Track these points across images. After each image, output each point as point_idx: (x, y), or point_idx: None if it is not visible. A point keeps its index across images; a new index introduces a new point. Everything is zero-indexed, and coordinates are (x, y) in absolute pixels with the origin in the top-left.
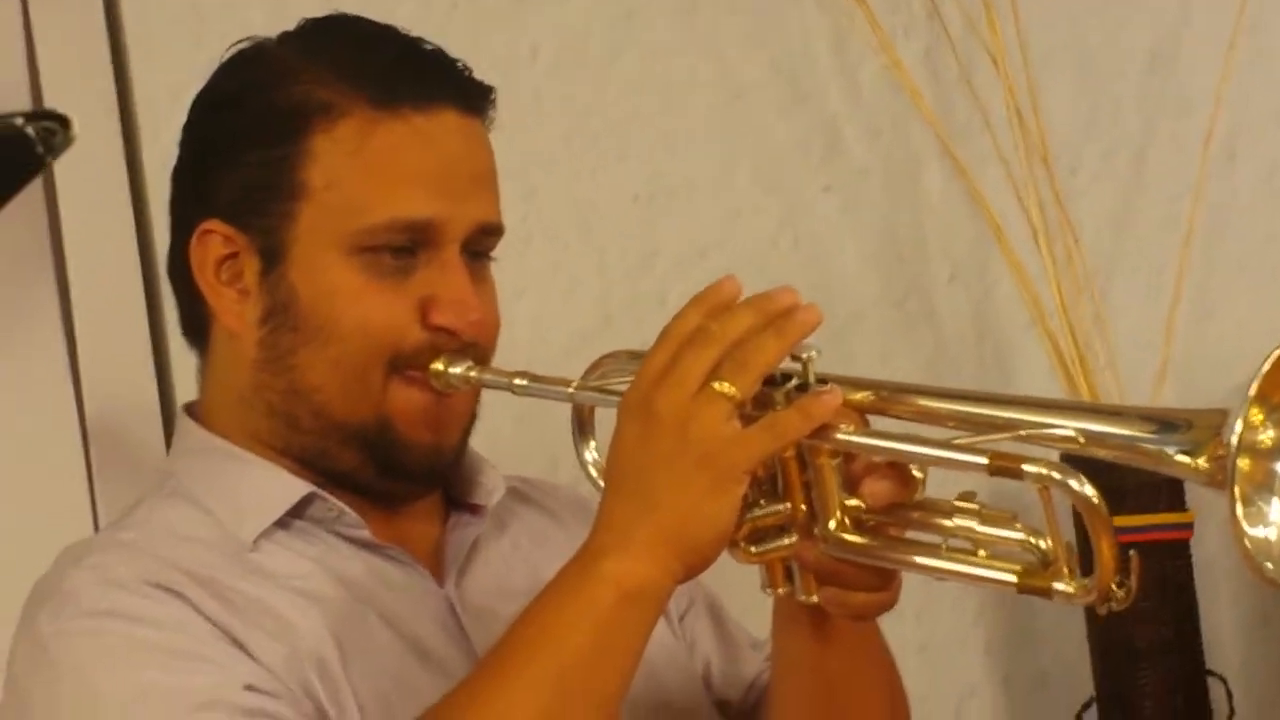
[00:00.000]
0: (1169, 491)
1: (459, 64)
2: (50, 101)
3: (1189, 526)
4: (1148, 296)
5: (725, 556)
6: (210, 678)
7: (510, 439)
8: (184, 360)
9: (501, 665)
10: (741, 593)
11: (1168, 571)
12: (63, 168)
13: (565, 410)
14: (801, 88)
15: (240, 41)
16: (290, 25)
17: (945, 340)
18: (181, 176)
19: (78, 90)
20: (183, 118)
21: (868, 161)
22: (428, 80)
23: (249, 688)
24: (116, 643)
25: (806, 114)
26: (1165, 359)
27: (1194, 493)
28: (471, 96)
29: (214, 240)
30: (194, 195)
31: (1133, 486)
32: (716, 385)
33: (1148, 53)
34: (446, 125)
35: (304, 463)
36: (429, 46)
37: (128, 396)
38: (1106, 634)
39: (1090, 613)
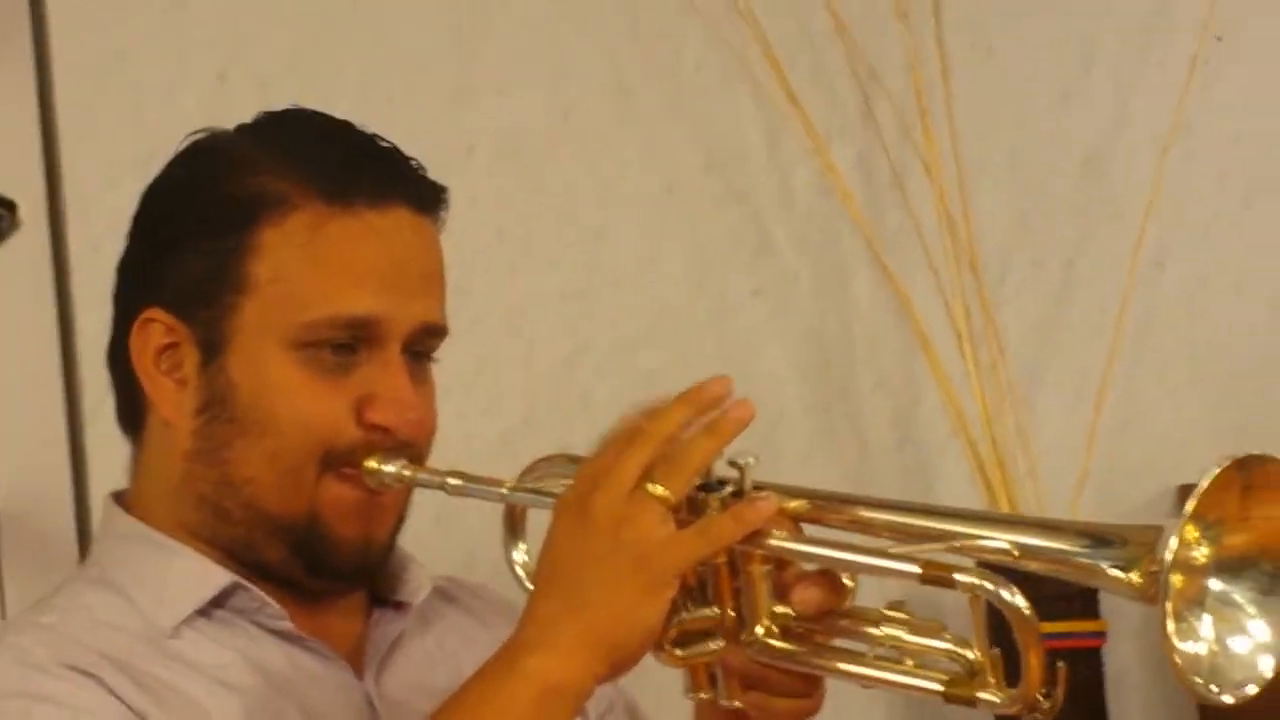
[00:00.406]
0: (1082, 600)
1: (413, 162)
2: None
3: (1101, 635)
4: (1070, 405)
5: (648, 658)
6: None
7: (429, 536)
8: (100, 452)
9: None
10: (662, 696)
11: (1079, 679)
12: None
13: (484, 510)
14: (734, 186)
15: (196, 132)
16: (226, 114)
17: (868, 446)
18: (127, 265)
19: (5, 173)
20: (114, 205)
21: (797, 264)
22: (381, 177)
23: None
24: None
25: (739, 213)
26: (1085, 468)
27: (1108, 602)
28: (424, 196)
29: (155, 329)
30: (138, 283)
31: (1047, 594)
32: (650, 487)
33: (1081, 159)
34: (399, 222)
35: (231, 554)
36: (385, 144)
37: (41, 484)
38: None
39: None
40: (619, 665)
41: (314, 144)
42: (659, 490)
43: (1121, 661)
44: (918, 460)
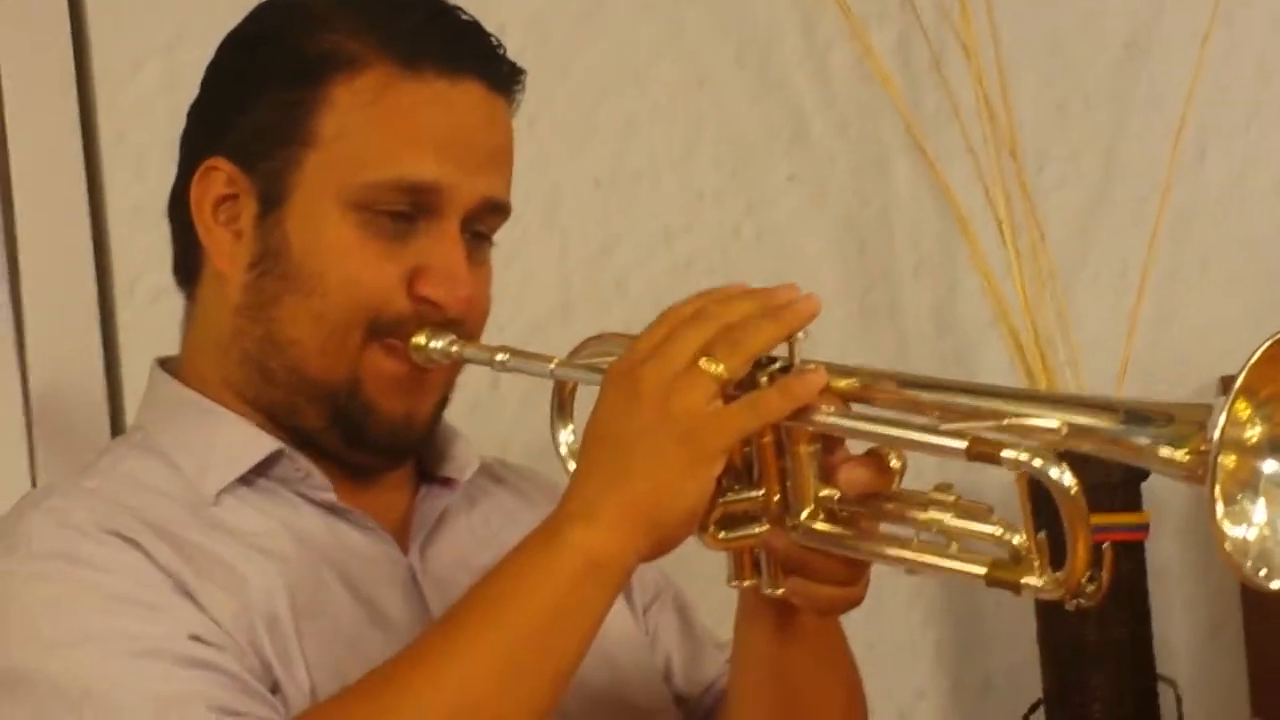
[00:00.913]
0: (1125, 491)
1: (493, 39)
2: (6, 65)
3: (1144, 528)
4: (1112, 294)
5: (695, 550)
6: (156, 626)
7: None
8: (132, 334)
9: (457, 626)
10: (707, 586)
11: (1121, 573)
12: (17, 141)
13: (522, 396)
14: (768, 75)
15: None
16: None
17: (906, 335)
18: (197, 111)
19: (35, 60)
20: (140, 89)
21: (834, 150)
22: (457, 48)
23: (194, 638)
24: (64, 586)
25: (773, 101)
26: (1126, 358)
27: (1151, 494)
28: (500, 73)
29: (217, 178)
30: (204, 131)
31: (1090, 484)
32: (704, 363)
33: (1121, 46)
34: (469, 95)
35: (274, 418)
36: (466, 17)
37: (74, 366)
38: (1056, 634)
39: (1042, 613)
40: (662, 542)
41: (392, 6)
42: (715, 367)
43: (1163, 556)
44: (957, 348)
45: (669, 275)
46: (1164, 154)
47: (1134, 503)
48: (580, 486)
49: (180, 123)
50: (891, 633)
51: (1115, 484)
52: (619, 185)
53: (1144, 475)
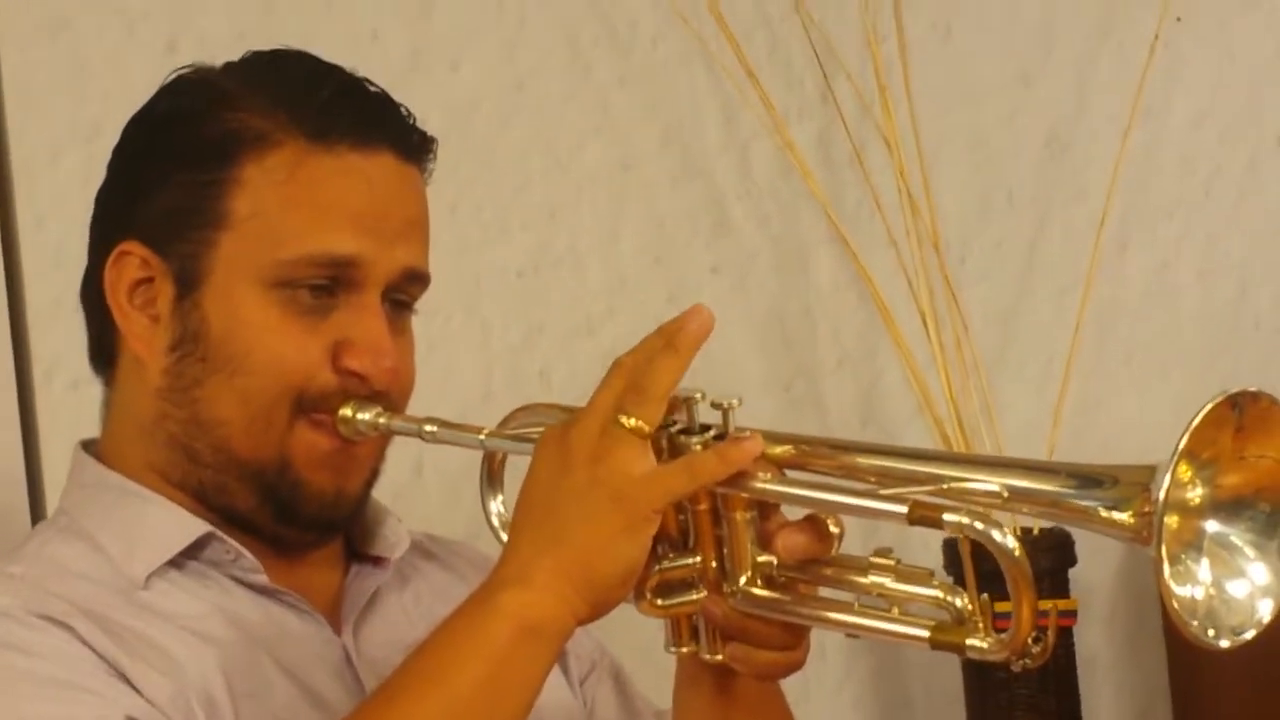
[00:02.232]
0: (1053, 578)
1: (403, 109)
2: None
3: (1073, 614)
4: (1036, 386)
5: (632, 617)
6: (92, 709)
7: (408, 488)
8: (52, 423)
9: (393, 697)
10: (645, 654)
11: (1050, 659)
12: None
13: (463, 461)
14: (692, 163)
15: (182, 68)
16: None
17: (831, 426)
18: (106, 195)
19: None
20: (59, 177)
21: (756, 242)
22: (368, 120)
23: (130, 719)
24: None
25: (696, 189)
26: (1052, 449)
27: (1078, 581)
28: (411, 143)
29: (130, 263)
30: (116, 215)
31: None
32: (623, 419)
33: (1043, 139)
34: (382, 166)
35: (202, 500)
36: (374, 88)
37: None
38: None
39: (971, 700)
40: (598, 604)
41: (301, 84)
42: (631, 422)
43: (1092, 642)
44: (881, 439)
45: (592, 364)
46: (1086, 246)
47: (1062, 589)
48: (514, 551)
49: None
50: (820, 717)
51: (1042, 571)
52: (541, 273)
53: (1072, 562)
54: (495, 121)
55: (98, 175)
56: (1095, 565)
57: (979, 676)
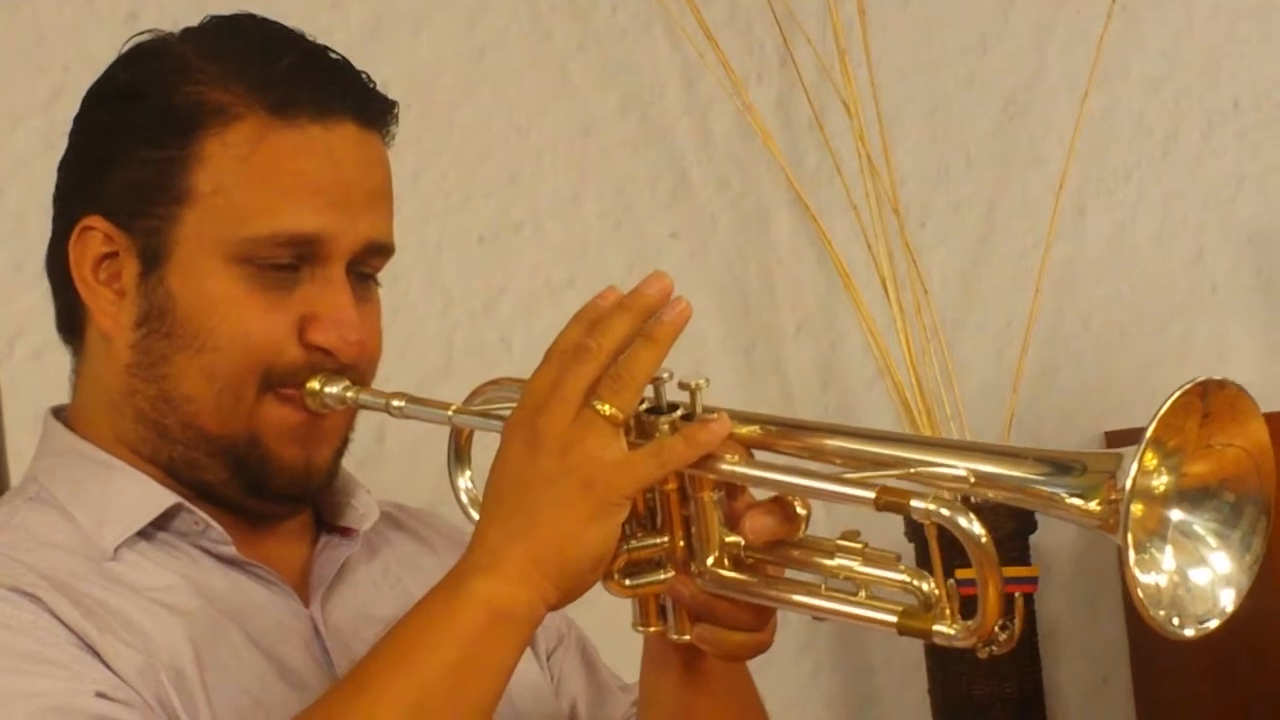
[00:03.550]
0: (1013, 544)
1: (363, 75)
2: None
3: (1034, 580)
4: (995, 349)
5: (600, 595)
6: (61, 683)
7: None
8: (11, 392)
9: (363, 681)
10: (612, 631)
11: None
12: None
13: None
14: (652, 128)
15: (140, 34)
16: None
17: (791, 390)
18: (67, 168)
19: None
20: (18, 147)
21: (716, 206)
22: (328, 90)
23: (100, 694)
24: None
25: (656, 154)
26: (1012, 412)
27: (1038, 547)
28: (372, 110)
29: (94, 238)
30: (78, 189)
31: None
32: (597, 405)
33: (1001, 104)
34: (344, 137)
35: (172, 472)
36: (334, 55)
37: None
38: (947, 688)
39: (932, 666)
40: (569, 591)
41: (260, 53)
42: (606, 409)
43: (1052, 608)
44: (841, 402)
45: (553, 330)
46: (1045, 209)
47: (1023, 556)
48: (484, 538)
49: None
50: (781, 686)
51: (1003, 537)
52: (502, 239)
53: (1032, 528)
54: (456, 89)
55: (58, 143)
56: (1055, 532)
57: None
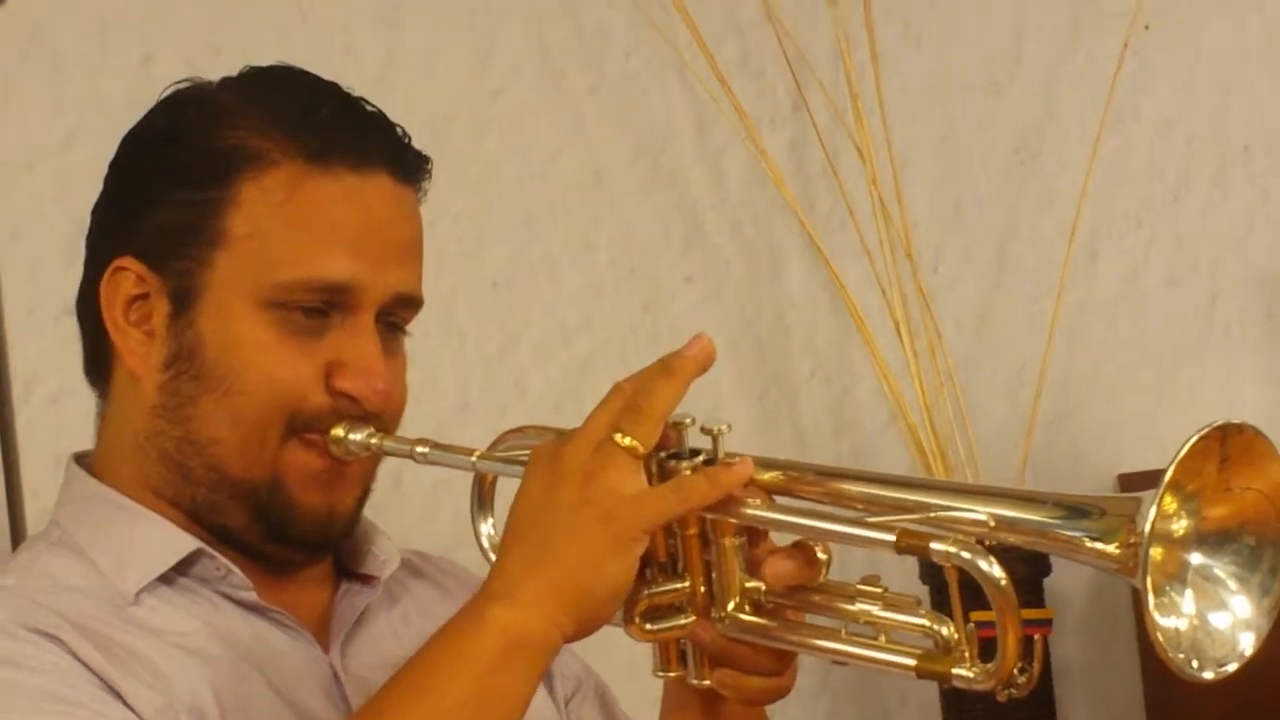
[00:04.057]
0: (1027, 587)
1: (398, 129)
2: None
3: (1048, 623)
4: (1009, 393)
5: (620, 640)
6: None
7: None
8: (31, 439)
9: (379, 712)
10: (633, 676)
11: None
12: None
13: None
14: (665, 172)
15: (179, 82)
16: (150, 98)
17: (805, 435)
18: (102, 211)
19: None
20: (34, 187)
21: (730, 251)
22: (365, 140)
23: None
24: None
25: (669, 199)
26: (1026, 455)
27: (1053, 590)
28: (407, 164)
29: (126, 279)
30: (112, 231)
31: None
32: (617, 438)
33: (1013, 148)
34: (379, 188)
35: (194, 516)
36: (370, 108)
37: None
38: None
39: (947, 709)
40: (585, 623)
41: (299, 102)
42: (625, 440)
43: (1066, 651)
44: (855, 447)
45: (567, 374)
46: (1057, 254)
47: (1037, 599)
48: (503, 567)
49: (74, 223)
50: None
51: (1018, 580)
52: (516, 284)
53: (1046, 571)
54: (470, 133)
55: (73, 186)
56: (1069, 574)
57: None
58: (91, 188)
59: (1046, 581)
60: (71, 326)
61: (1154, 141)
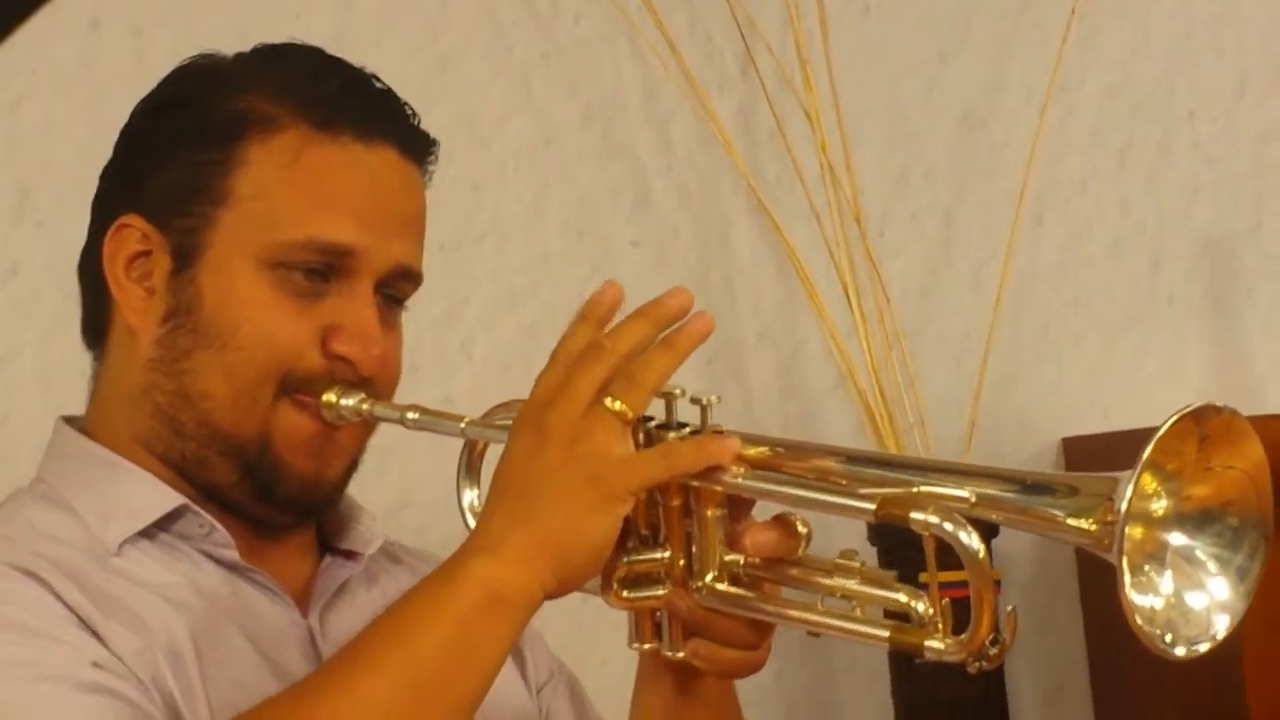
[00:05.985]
0: None
1: (407, 107)
2: None
3: (995, 584)
4: (956, 357)
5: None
6: (59, 656)
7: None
8: None
9: (356, 657)
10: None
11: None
12: None
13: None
14: (614, 137)
15: (194, 55)
16: (99, 63)
17: (752, 397)
18: (110, 173)
19: None
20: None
21: (678, 216)
22: (373, 113)
23: (96, 665)
24: None
25: (617, 164)
26: (973, 419)
27: (999, 552)
28: (415, 141)
29: (130, 235)
30: (119, 190)
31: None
32: (608, 402)
33: (961, 114)
34: (385, 160)
35: (183, 473)
36: (380, 84)
37: None
38: (910, 693)
39: (895, 671)
40: (566, 579)
41: (308, 74)
42: (616, 405)
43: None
44: (803, 410)
45: (515, 338)
46: (1004, 219)
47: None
48: (486, 523)
49: (19, 186)
50: (743, 689)
51: None
52: (464, 248)
53: (993, 533)
54: (419, 99)
55: (20, 150)
56: (1014, 537)
57: None
58: (38, 151)
59: (993, 543)
60: (17, 288)
61: (1100, 108)
